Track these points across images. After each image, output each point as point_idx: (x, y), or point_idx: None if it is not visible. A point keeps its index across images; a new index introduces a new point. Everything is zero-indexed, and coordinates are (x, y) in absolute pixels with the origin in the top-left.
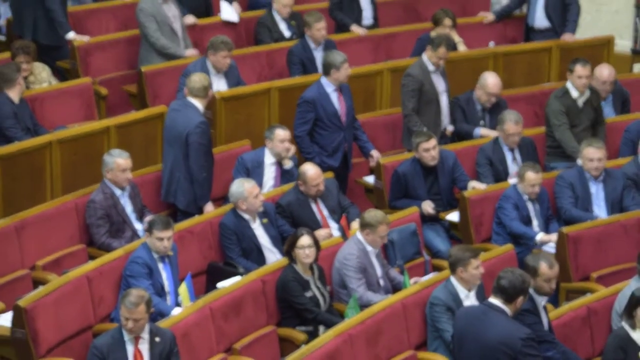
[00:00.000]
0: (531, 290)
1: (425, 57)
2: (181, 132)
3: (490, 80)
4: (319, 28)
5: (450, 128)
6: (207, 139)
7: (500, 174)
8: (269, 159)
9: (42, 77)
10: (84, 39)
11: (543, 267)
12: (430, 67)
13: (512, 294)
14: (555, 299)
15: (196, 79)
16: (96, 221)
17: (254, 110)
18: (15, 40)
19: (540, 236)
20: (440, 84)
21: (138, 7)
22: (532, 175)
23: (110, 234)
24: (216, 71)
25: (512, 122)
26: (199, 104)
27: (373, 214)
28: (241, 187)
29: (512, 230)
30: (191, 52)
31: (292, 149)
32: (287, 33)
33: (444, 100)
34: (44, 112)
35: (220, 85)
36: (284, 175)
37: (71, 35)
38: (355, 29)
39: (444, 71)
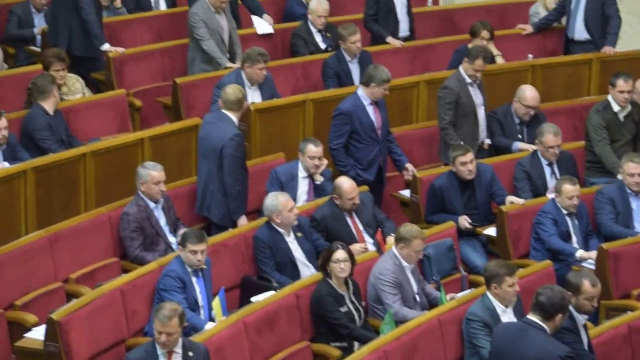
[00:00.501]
0: (572, 309)
1: (462, 69)
2: (216, 145)
3: (528, 93)
4: (354, 41)
5: (487, 141)
6: (242, 152)
7: (539, 189)
8: (302, 173)
9: (76, 88)
10: (119, 50)
11: (586, 285)
12: (468, 80)
13: (550, 311)
14: (595, 317)
15: (231, 92)
16: (130, 234)
17: (289, 123)
18: (48, 50)
19: (580, 253)
20: (477, 96)
21: (191, 10)
22: (569, 188)
23: (144, 247)
24: (251, 83)
25: (551, 135)
26: (233, 116)
27: (409, 229)
28: (276, 200)
29: (552, 246)
30: (231, 64)
31: (323, 165)
32: (322, 45)
33: (481, 114)
34: (78, 124)
35: (255, 98)
36: (317, 190)
37: (106, 47)
38: (392, 41)
39: (482, 84)
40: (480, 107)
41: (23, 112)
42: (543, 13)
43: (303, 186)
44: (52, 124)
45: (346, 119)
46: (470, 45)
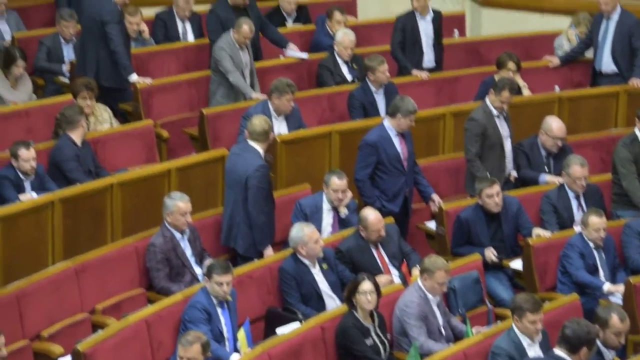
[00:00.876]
0: (599, 344)
1: (488, 101)
2: (241, 176)
3: (554, 125)
4: (383, 70)
5: (514, 173)
6: (267, 183)
7: (565, 222)
8: (326, 205)
9: (104, 117)
10: (147, 81)
11: (614, 319)
12: (494, 111)
13: (576, 344)
14: (622, 352)
15: (257, 123)
16: (156, 265)
17: (315, 154)
18: (77, 79)
19: (607, 286)
20: (504, 128)
21: (217, 44)
22: (596, 220)
23: (170, 277)
24: (278, 114)
25: (577, 165)
26: (259, 147)
27: (433, 260)
28: (301, 231)
29: (578, 279)
30: (257, 95)
31: (347, 198)
32: (348, 76)
33: (507, 145)
34: (105, 154)
35: (281, 128)
36: (341, 222)
37: (134, 77)
38: (417, 73)
39: (508, 116)
40: (507, 139)
41: (51, 143)
42: (566, 45)
43: (327, 218)
44: (80, 155)
45: (372, 149)
46: (496, 77)
